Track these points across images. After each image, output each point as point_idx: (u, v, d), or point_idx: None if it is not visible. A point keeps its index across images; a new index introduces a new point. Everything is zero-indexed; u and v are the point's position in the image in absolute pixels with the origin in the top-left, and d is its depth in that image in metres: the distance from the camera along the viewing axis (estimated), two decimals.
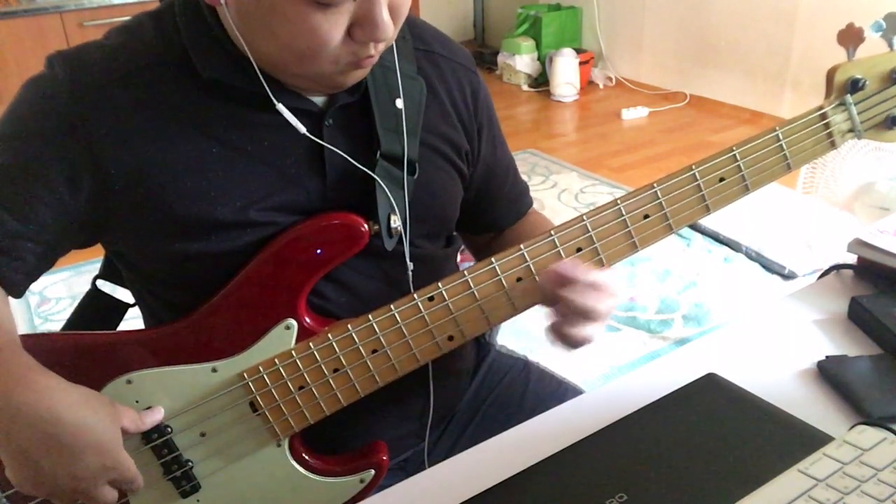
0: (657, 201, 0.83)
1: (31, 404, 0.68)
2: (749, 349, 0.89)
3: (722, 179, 0.84)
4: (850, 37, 0.87)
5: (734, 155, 0.84)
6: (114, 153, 0.77)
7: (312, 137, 0.80)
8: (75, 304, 0.98)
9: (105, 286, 0.97)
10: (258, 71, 0.76)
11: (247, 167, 0.80)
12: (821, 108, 0.87)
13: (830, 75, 0.88)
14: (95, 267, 0.97)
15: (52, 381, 0.71)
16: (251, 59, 0.76)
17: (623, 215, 0.83)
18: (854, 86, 0.87)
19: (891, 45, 0.88)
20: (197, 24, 0.78)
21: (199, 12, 0.78)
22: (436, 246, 0.94)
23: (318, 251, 0.81)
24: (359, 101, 0.83)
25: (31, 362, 0.72)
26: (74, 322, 0.97)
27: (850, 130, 0.89)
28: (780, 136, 0.85)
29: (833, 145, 0.88)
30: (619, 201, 0.82)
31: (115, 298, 0.97)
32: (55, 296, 2.72)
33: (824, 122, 0.87)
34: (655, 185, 0.83)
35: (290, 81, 0.79)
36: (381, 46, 0.76)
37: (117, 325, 0.98)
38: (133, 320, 0.97)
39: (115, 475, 0.73)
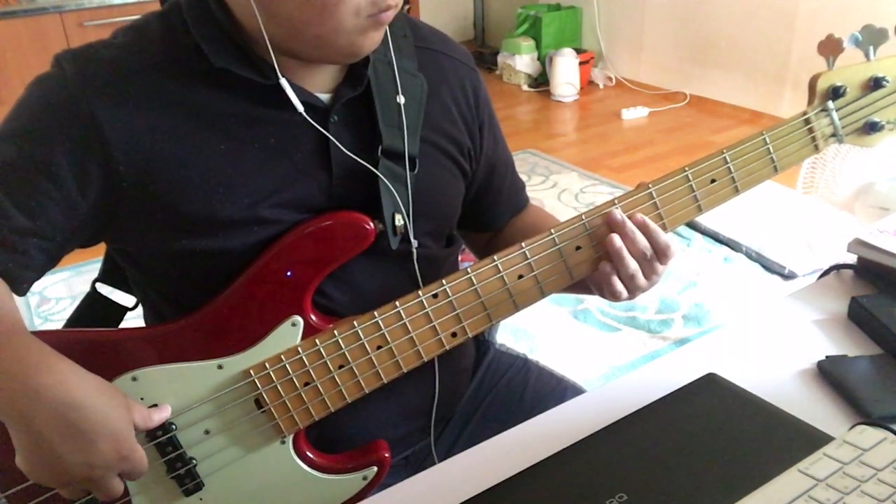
0: (652, 201, 0.86)
1: (51, 387, 0.68)
2: (749, 349, 0.90)
3: (713, 181, 0.87)
4: (830, 47, 0.91)
5: (724, 157, 0.87)
6: (123, 150, 0.77)
7: (313, 122, 0.81)
8: (75, 304, 0.98)
9: (104, 289, 0.97)
10: (269, 47, 0.76)
11: (255, 163, 0.81)
12: (805, 113, 0.91)
13: (813, 83, 0.92)
14: (95, 267, 0.97)
15: (71, 367, 0.71)
16: (264, 34, 0.75)
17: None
18: (835, 93, 0.91)
19: (867, 56, 0.92)
20: (205, 18, 0.79)
21: (206, 7, 0.79)
22: (438, 245, 0.95)
23: (318, 254, 0.82)
24: (362, 97, 0.84)
25: (47, 347, 0.72)
26: (73, 325, 0.97)
27: (833, 135, 0.93)
28: (768, 140, 0.89)
29: (816, 149, 0.92)
30: (616, 201, 0.85)
31: (114, 301, 0.98)
32: (55, 296, 2.72)
33: (808, 126, 0.91)
34: (650, 185, 0.86)
35: (305, 54, 0.78)
36: None
37: (116, 328, 0.99)
38: (132, 321, 0.97)
39: (128, 466, 0.73)
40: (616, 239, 0.83)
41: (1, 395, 0.68)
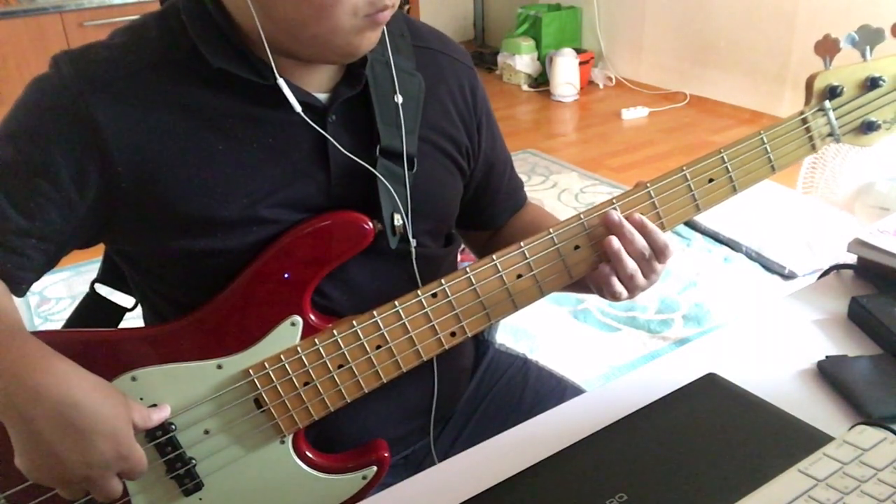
0: (650, 201, 0.86)
1: (50, 387, 0.68)
2: (749, 349, 0.90)
3: (711, 180, 0.88)
4: (827, 47, 0.91)
5: (722, 157, 0.87)
6: (121, 151, 0.77)
7: (311, 122, 0.81)
8: (75, 304, 0.98)
9: (103, 290, 0.97)
10: (266, 47, 0.76)
11: (253, 163, 0.81)
12: (802, 113, 0.91)
13: (810, 82, 0.92)
14: (95, 267, 0.97)
15: (70, 366, 0.71)
16: (261, 34, 0.75)
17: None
18: (832, 92, 0.91)
19: (864, 56, 0.92)
20: (203, 18, 0.79)
21: (203, 8, 0.79)
22: (437, 244, 0.95)
23: (317, 253, 0.82)
24: (360, 97, 0.84)
25: (47, 347, 0.72)
26: (72, 325, 0.97)
27: (830, 134, 0.93)
28: (765, 140, 0.89)
29: (814, 148, 0.92)
30: (614, 200, 0.85)
31: (113, 302, 0.97)
32: (55, 296, 2.72)
33: (805, 126, 0.91)
34: (648, 185, 0.86)
35: (303, 54, 0.78)
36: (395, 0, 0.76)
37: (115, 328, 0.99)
38: (131, 321, 0.97)
39: (127, 466, 0.73)
40: (614, 241, 0.83)
41: (0, 395, 0.68)
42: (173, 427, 0.81)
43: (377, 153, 0.84)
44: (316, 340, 0.81)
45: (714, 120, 4.18)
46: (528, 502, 0.67)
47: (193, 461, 0.82)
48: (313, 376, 0.81)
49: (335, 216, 0.82)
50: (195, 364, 0.81)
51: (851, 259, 1.02)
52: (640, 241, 0.83)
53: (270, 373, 0.81)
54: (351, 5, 0.73)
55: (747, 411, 0.74)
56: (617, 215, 0.83)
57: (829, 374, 0.83)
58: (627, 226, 0.83)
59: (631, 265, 0.83)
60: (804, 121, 0.91)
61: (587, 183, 3.50)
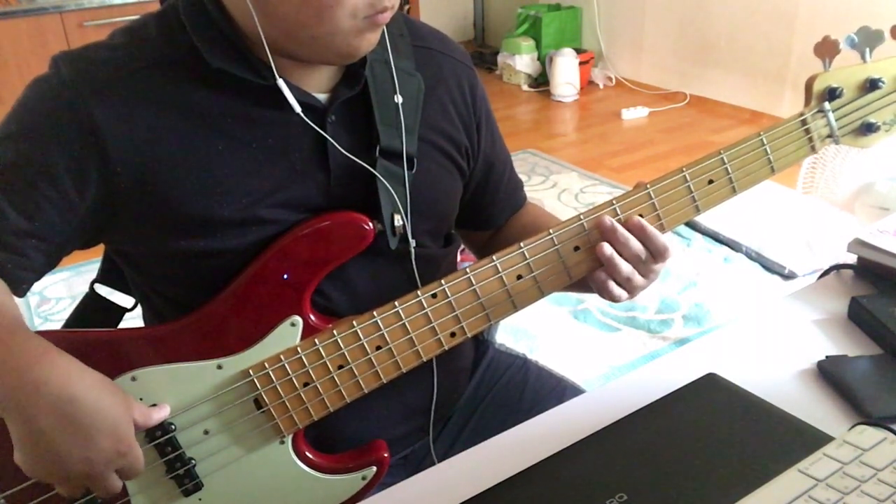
0: (650, 202, 0.86)
1: (51, 383, 0.68)
2: (749, 349, 0.90)
3: (711, 181, 0.88)
4: (826, 49, 0.91)
5: (722, 158, 0.87)
6: (120, 151, 0.77)
7: (309, 122, 0.81)
8: (75, 304, 0.98)
9: (102, 290, 0.97)
10: (266, 48, 0.76)
11: (253, 164, 0.81)
12: (801, 114, 0.91)
13: (809, 84, 0.92)
14: (95, 267, 0.97)
15: (71, 363, 0.71)
16: (261, 35, 0.75)
17: (618, 215, 0.85)
18: (832, 94, 0.91)
19: (863, 57, 0.92)
20: (202, 19, 0.79)
21: (203, 8, 0.79)
22: (436, 244, 0.95)
23: (317, 254, 0.82)
24: (359, 97, 0.84)
25: (47, 343, 0.72)
26: (72, 325, 0.97)
27: (829, 136, 0.93)
28: (765, 141, 0.89)
29: (813, 150, 0.92)
30: (614, 201, 0.85)
31: (112, 302, 0.97)
32: (55, 296, 2.73)
33: (805, 127, 0.91)
34: (648, 185, 0.86)
35: (302, 54, 0.78)
36: (395, 0, 0.76)
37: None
38: (130, 322, 0.97)
39: (126, 463, 0.73)
40: (606, 246, 0.82)
41: (1, 390, 0.68)
42: (173, 427, 0.81)
43: (377, 153, 0.84)
44: (316, 341, 0.81)
45: (714, 120, 4.18)
46: (528, 502, 0.67)
47: (193, 461, 0.82)
48: (313, 377, 0.81)
49: (335, 216, 0.83)
50: (195, 364, 0.81)
51: (851, 259, 1.02)
52: (635, 244, 0.83)
53: (270, 373, 0.81)
54: (351, 7, 0.73)
55: (747, 411, 0.74)
56: (609, 220, 0.83)
57: (829, 374, 0.83)
58: (620, 230, 0.83)
59: (626, 269, 0.83)
60: (804, 122, 0.91)
61: (587, 183, 3.50)
